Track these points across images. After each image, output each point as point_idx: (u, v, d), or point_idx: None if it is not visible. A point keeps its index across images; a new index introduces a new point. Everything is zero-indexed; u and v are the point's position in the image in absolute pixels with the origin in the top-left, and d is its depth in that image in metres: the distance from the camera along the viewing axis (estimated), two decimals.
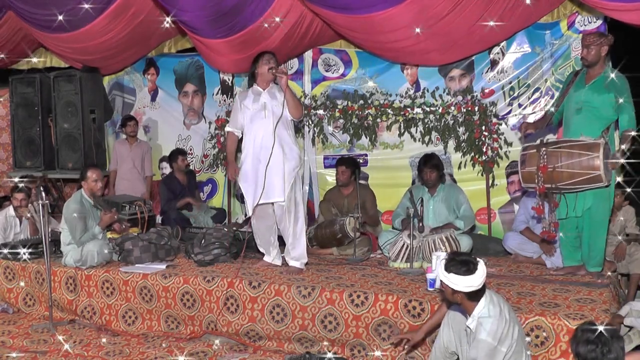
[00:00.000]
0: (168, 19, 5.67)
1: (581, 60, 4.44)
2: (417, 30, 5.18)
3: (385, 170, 6.37)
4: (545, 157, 4.19)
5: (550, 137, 4.90)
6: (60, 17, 5.95)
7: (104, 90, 7.48)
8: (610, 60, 5.30)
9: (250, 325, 4.49)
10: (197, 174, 7.16)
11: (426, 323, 3.65)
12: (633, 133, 4.19)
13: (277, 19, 5.50)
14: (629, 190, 4.77)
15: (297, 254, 4.81)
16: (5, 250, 5.45)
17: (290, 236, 4.78)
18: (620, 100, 4.20)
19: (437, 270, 3.23)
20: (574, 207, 4.33)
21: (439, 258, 4.28)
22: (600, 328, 2.80)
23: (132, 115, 7.36)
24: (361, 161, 6.38)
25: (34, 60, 7.43)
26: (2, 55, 6.99)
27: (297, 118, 4.83)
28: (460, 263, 3.10)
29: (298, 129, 6.65)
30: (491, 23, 5.05)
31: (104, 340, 4.72)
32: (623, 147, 4.17)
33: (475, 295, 3.13)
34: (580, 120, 4.33)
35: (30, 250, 5.40)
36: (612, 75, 4.28)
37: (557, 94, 5.27)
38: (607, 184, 4.11)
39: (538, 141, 4.37)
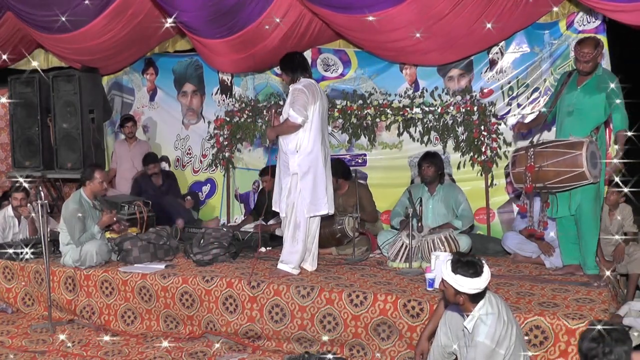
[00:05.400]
0: (169, 20, 5.66)
1: (579, 72, 4.37)
2: (417, 30, 5.18)
3: (384, 170, 6.36)
4: (532, 157, 4.26)
5: (544, 136, 4.91)
6: (60, 18, 5.94)
7: (103, 90, 7.47)
8: (609, 60, 5.35)
9: (249, 325, 4.48)
10: (195, 174, 7.18)
11: (426, 329, 3.62)
12: (628, 133, 4.22)
13: (277, 20, 5.50)
14: (625, 189, 4.77)
15: (284, 258, 4.73)
16: (11, 250, 5.44)
17: (284, 240, 4.77)
18: (612, 101, 4.22)
19: (442, 271, 3.21)
20: (567, 205, 4.36)
21: (438, 258, 4.29)
22: (607, 328, 2.79)
23: (130, 115, 7.36)
24: (360, 161, 6.38)
25: (34, 64, 7.42)
26: (4, 57, 6.98)
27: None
28: (467, 265, 3.09)
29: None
30: (488, 25, 5.04)
31: (106, 338, 4.74)
32: (617, 147, 4.20)
33: (477, 297, 3.13)
34: (571, 123, 4.38)
35: (32, 250, 5.41)
36: (604, 75, 4.33)
37: None
38: (593, 181, 4.14)
39: (528, 142, 4.44)
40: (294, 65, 4.75)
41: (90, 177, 5.23)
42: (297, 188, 4.66)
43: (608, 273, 4.41)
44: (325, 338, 4.22)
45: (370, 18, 5.04)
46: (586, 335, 2.81)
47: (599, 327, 2.78)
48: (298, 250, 4.70)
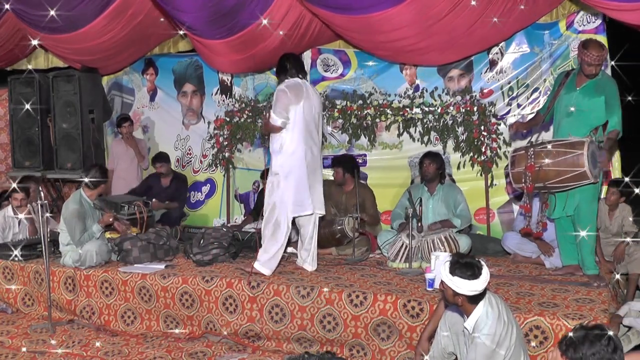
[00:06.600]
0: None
1: (587, 75, 4.32)
2: (416, 30, 5.17)
3: (384, 171, 6.36)
4: (532, 156, 4.25)
5: (542, 136, 4.91)
6: (60, 18, 5.94)
7: (103, 90, 7.47)
8: (608, 60, 5.35)
9: (249, 325, 4.48)
10: (195, 174, 7.17)
11: (426, 329, 3.62)
12: (620, 134, 4.25)
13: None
14: (602, 190, 4.79)
15: (260, 257, 4.69)
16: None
17: (262, 239, 4.73)
18: (609, 104, 4.23)
19: (440, 272, 3.21)
20: (563, 206, 4.36)
21: (438, 258, 4.29)
22: (596, 328, 2.77)
23: (127, 115, 7.36)
24: (360, 161, 6.38)
25: (36, 66, 7.44)
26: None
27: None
28: (465, 266, 3.08)
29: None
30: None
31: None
32: (604, 140, 4.21)
33: (476, 298, 3.12)
34: (570, 123, 4.38)
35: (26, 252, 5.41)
36: (604, 78, 4.33)
37: None
38: (594, 180, 4.14)
39: (527, 142, 4.43)
40: (278, 67, 4.82)
41: (106, 179, 5.36)
42: (278, 188, 4.63)
43: (597, 272, 4.41)
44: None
45: (370, 16, 5.01)
46: (584, 341, 2.75)
47: (589, 327, 2.76)
48: (275, 251, 4.66)
